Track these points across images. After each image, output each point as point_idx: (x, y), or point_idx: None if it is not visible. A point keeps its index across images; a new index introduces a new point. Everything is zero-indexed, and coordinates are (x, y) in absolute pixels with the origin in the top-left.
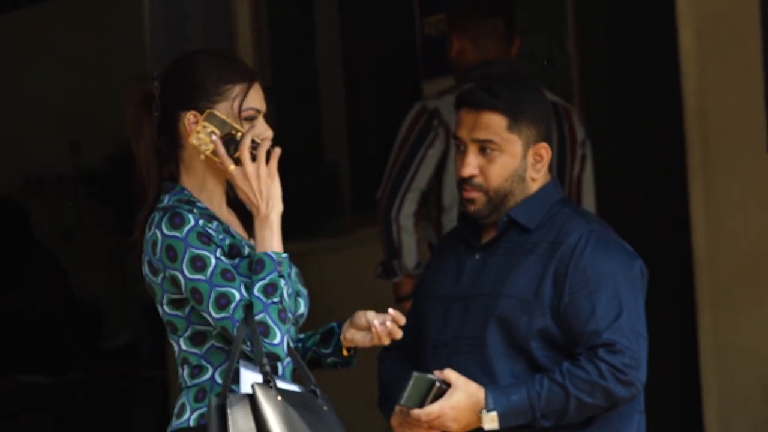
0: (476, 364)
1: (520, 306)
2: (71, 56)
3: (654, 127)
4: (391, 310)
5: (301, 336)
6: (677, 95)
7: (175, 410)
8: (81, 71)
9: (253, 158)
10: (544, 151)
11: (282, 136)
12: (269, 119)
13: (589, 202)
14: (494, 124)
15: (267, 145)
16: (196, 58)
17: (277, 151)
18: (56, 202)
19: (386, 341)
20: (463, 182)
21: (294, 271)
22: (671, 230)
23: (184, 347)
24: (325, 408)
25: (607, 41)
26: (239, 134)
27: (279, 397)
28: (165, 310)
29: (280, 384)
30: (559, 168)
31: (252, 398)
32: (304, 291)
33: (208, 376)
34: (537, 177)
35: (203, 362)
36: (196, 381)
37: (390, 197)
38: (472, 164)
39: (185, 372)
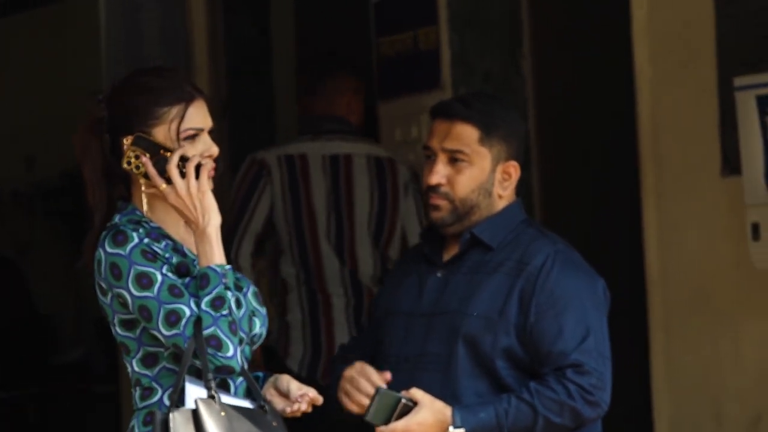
0: (440, 381)
1: (485, 325)
2: (26, 71)
3: (608, 149)
4: (311, 392)
5: None
6: (632, 118)
7: None
8: (36, 86)
9: (183, 175)
10: (513, 169)
11: (237, 155)
12: (222, 137)
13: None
14: (466, 135)
15: (196, 160)
16: (133, 81)
17: (208, 165)
18: (11, 217)
19: (298, 414)
20: (429, 190)
21: (252, 290)
22: (624, 252)
23: (136, 369)
24: (274, 424)
25: (562, 62)
26: (168, 154)
27: (222, 413)
28: (117, 331)
29: (226, 399)
30: (379, 219)
31: (195, 413)
32: (262, 310)
33: (157, 398)
34: (504, 195)
35: (154, 384)
36: (146, 403)
37: (228, 240)
38: (440, 173)
39: (137, 394)
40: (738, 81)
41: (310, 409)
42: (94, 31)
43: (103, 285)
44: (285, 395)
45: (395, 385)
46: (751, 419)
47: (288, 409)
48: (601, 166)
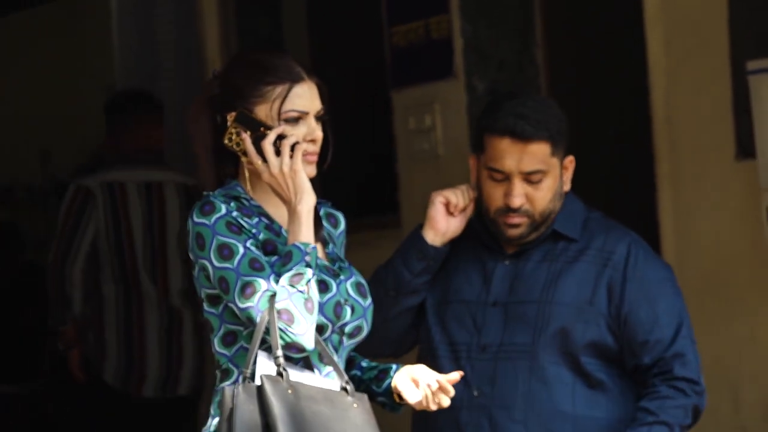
0: (527, 369)
1: (576, 313)
2: (41, 66)
3: (622, 137)
4: (456, 374)
5: (364, 363)
6: (646, 104)
7: (211, 412)
8: (51, 81)
9: (278, 153)
10: (570, 163)
11: None
12: None
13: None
14: (541, 153)
15: (292, 140)
16: (243, 58)
17: (303, 145)
18: (26, 212)
19: (433, 408)
20: (509, 210)
21: (353, 280)
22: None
23: (217, 348)
24: (355, 406)
25: (575, 50)
26: (269, 132)
27: (290, 391)
28: (204, 307)
29: (300, 376)
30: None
31: (259, 390)
32: (362, 302)
33: (233, 379)
34: (568, 189)
35: (230, 365)
36: (222, 385)
37: (62, 259)
38: (520, 194)
39: (218, 375)
40: (751, 65)
41: (444, 405)
42: (107, 27)
43: (192, 257)
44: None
45: (474, 373)
46: (767, 407)
47: (417, 399)
48: (616, 152)
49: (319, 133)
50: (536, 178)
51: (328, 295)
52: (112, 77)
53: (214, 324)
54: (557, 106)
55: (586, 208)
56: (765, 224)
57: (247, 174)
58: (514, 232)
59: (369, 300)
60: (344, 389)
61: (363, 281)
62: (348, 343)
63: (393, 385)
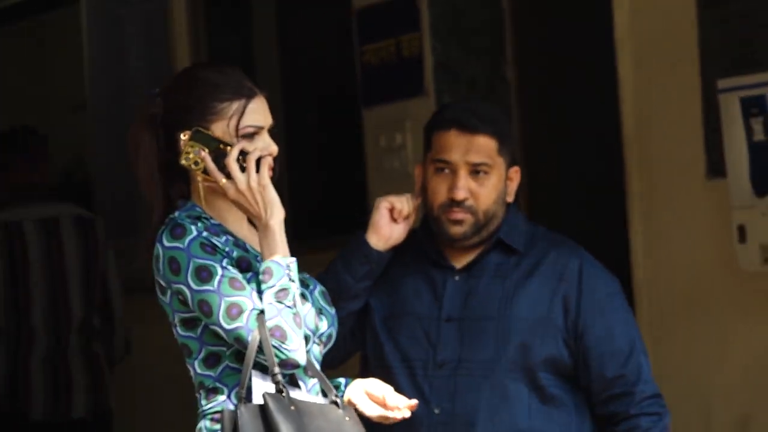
0: (488, 386)
1: (534, 328)
2: (10, 86)
3: (593, 154)
4: (413, 400)
5: None
6: (617, 123)
7: None
8: (21, 102)
9: (243, 170)
10: (515, 174)
11: None
12: None
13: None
14: (488, 147)
15: (257, 154)
16: (194, 74)
17: (268, 159)
18: None
19: (391, 421)
20: (452, 204)
21: (319, 289)
22: (611, 256)
23: (199, 370)
24: (347, 419)
25: (545, 68)
26: (228, 148)
27: (292, 407)
28: (178, 332)
29: (295, 394)
30: (86, 271)
31: (263, 409)
32: (330, 310)
33: (223, 397)
34: (511, 200)
35: (218, 384)
36: (212, 404)
37: None
38: (464, 187)
39: (201, 396)
40: (722, 83)
41: (408, 415)
42: (78, 45)
43: (162, 282)
44: (380, 402)
45: (433, 390)
46: (740, 421)
47: (377, 414)
48: (587, 170)
49: (275, 147)
50: (482, 169)
51: (307, 306)
52: (83, 97)
53: (193, 347)
54: (506, 117)
55: (529, 222)
56: (735, 242)
57: (202, 193)
58: (456, 230)
59: (334, 308)
60: (334, 402)
61: (325, 289)
62: (323, 353)
63: (346, 398)
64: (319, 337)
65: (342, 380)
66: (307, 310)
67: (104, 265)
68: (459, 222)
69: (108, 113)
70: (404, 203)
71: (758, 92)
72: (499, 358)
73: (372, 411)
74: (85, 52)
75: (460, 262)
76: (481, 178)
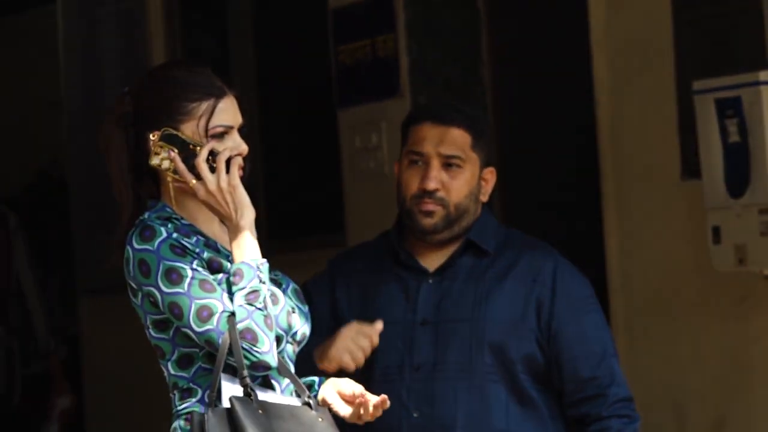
0: (466, 388)
1: (509, 330)
2: None
3: (568, 155)
4: (367, 394)
5: None
6: (591, 123)
7: None
8: None
9: (213, 170)
10: (491, 175)
11: None
12: None
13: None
14: (461, 140)
15: (227, 154)
16: (163, 74)
17: (238, 159)
18: None
19: (367, 419)
20: (424, 195)
21: (292, 287)
22: (585, 258)
23: (172, 371)
24: (320, 420)
25: (521, 69)
26: (198, 149)
27: (260, 411)
28: (150, 333)
29: (265, 396)
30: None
31: (230, 413)
32: (304, 308)
33: (197, 398)
34: (484, 200)
35: (192, 385)
36: (185, 405)
37: None
38: (436, 178)
39: (176, 397)
40: (697, 85)
41: (377, 414)
42: (53, 44)
43: (133, 285)
44: (352, 400)
45: (410, 394)
46: (714, 422)
47: (349, 413)
48: (562, 172)
49: (244, 147)
50: (454, 162)
51: (279, 306)
52: (58, 94)
53: (166, 349)
54: (488, 119)
55: (501, 225)
56: (710, 243)
57: (172, 193)
58: (427, 221)
59: (307, 305)
60: (307, 404)
61: (298, 287)
62: (297, 351)
63: (321, 398)
64: (293, 336)
65: (315, 379)
66: (279, 309)
67: (12, 255)
68: (430, 213)
69: (83, 112)
70: (359, 354)
71: (733, 94)
72: (474, 361)
73: (345, 410)
74: (61, 52)
75: (433, 264)
76: (454, 171)
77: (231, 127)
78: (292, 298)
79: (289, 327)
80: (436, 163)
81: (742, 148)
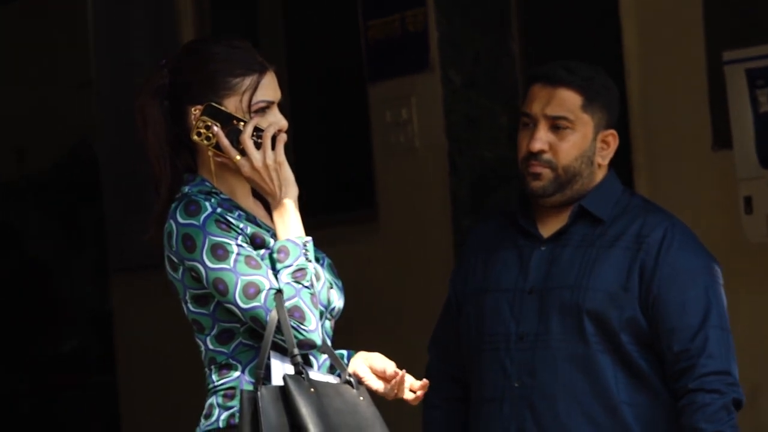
0: (567, 358)
1: (610, 300)
2: (16, 62)
3: None
4: (407, 376)
5: None
6: (622, 95)
7: (204, 411)
8: (26, 79)
9: (258, 146)
10: (612, 138)
11: None
12: None
13: None
14: (570, 101)
15: (272, 130)
16: (205, 49)
17: (283, 136)
18: (2, 210)
19: (401, 396)
20: (531, 157)
21: (327, 262)
22: None
23: (211, 346)
24: (361, 398)
25: (550, 41)
26: (242, 124)
27: (312, 389)
28: (189, 308)
29: (313, 375)
30: None
31: (284, 390)
32: (339, 283)
33: (236, 374)
34: (603, 164)
35: (231, 361)
36: (224, 380)
37: None
38: (542, 139)
39: (213, 372)
40: (727, 55)
41: (410, 396)
42: (83, 24)
43: (174, 259)
44: (383, 376)
45: (513, 364)
46: (748, 392)
47: (383, 388)
48: None
49: (284, 122)
50: (562, 124)
51: (321, 282)
52: (88, 74)
53: (205, 323)
54: (610, 81)
55: (627, 191)
56: (742, 213)
57: (213, 167)
58: (536, 184)
59: (340, 280)
60: (348, 382)
61: (331, 261)
62: (333, 327)
63: (351, 371)
64: (330, 311)
65: (344, 352)
66: (321, 285)
67: None
68: (537, 176)
69: (113, 91)
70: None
71: (764, 64)
72: (576, 330)
73: (377, 385)
74: (90, 30)
75: (549, 231)
76: (562, 133)
77: (272, 103)
78: (329, 273)
79: (329, 302)
80: (543, 124)
81: None
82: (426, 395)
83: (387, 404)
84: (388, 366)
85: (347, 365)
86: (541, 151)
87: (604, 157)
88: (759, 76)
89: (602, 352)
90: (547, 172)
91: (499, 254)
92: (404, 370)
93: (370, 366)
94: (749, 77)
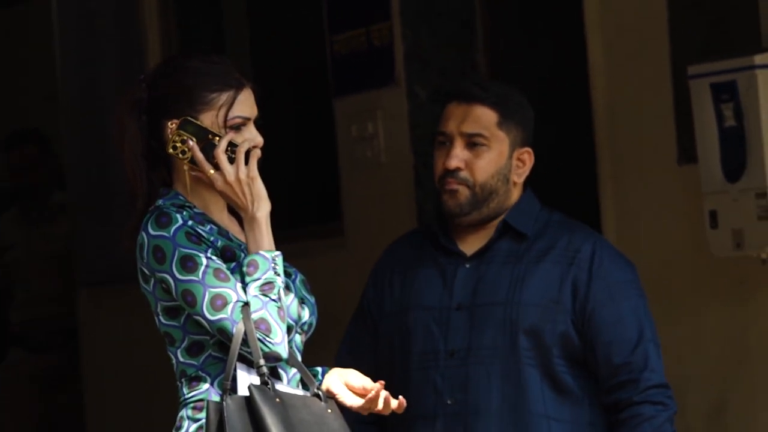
0: (500, 373)
1: (543, 313)
2: None
3: (564, 140)
4: (382, 390)
5: None
6: (588, 109)
7: (176, 424)
8: None
9: (232, 161)
10: (528, 155)
11: None
12: None
13: None
14: (485, 118)
15: (246, 146)
16: (183, 63)
17: (257, 152)
18: None
19: (377, 411)
20: (447, 175)
21: (300, 277)
22: None
23: (181, 359)
24: (329, 411)
25: (516, 55)
26: (217, 139)
27: (277, 399)
28: (161, 320)
29: (282, 387)
30: None
31: (249, 400)
32: (311, 299)
33: (206, 387)
34: (518, 182)
35: (201, 373)
36: (194, 392)
37: None
38: (458, 156)
39: (183, 385)
40: (692, 69)
41: (386, 411)
42: (49, 36)
43: (146, 271)
44: (361, 392)
45: (445, 381)
46: (714, 406)
47: (358, 404)
48: (558, 155)
49: (260, 139)
50: (478, 141)
51: (291, 297)
52: (54, 85)
53: (176, 336)
54: (524, 99)
55: (545, 209)
56: (707, 228)
57: (188, 181)
58: (452, 202)
59: (313, 296)
60: (317, 395)
61: (305, 277)
62: (304, 341)
63: (324, 387)
64: (301, 326)
65: (319, 369)
66: (290, 300)
67: None
68: (454, 192)
69: (80, 104)
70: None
71: (729, 78)
72: (509, 345)
73: (353, 401)
74: (56, 43)
75: (471, 249)
76: (478, 150)
77: (248, 119)
78: (301, 289)
79: (299, 317)
80: (458, 142)
81: (737, 133)
82: None
83: None
84: (366, 382)
85: (321, 381)
86: (458, 169)
87: (519, 175)
88: (724, 91)
89: (531, 366)
90: (463, 190)
91: (418, 273)
92: (380, 385)
93: (345, 382)
94: (714, 91)
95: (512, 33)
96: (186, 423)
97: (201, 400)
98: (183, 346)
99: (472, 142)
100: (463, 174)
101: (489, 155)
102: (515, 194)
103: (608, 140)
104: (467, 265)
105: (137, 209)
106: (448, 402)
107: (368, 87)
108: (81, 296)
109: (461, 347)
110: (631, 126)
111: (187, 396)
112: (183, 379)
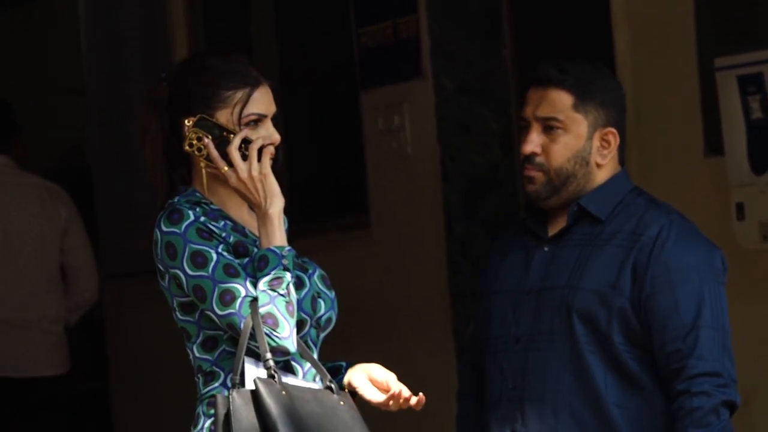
0: (556, 359)
1: (598, 298)
2: (8, 71)
3: None
4: (404, 389)
5: None
6: None
7: (194, 420)
8: (18, 88)
9: (245, 158)
10: (612, 136)
11: None
12: None
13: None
14: (560, 101)
15: (260, 143)
16: (201, 62)
17: (270, 149)
18: None
19: (393, 408)
20: (525, 161)
21: (318, 273)
22: None
23: (197, 354)
24: (341, 403)
25: (543, 49)
26: (231, 136)
27: (283, 392)
28: (177, 316)
29: (287, 379)
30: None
31: (255, 394)
32: (330, 294)
33: (219, 382)
34: (603, 163)
35: (215, 368)
36: (208, 388)
37: None
38: (533, 141)
39: (200, 380)
40: (718, 62)
41: (404, 406)
42: (76, 32)
43: (161, 267)
44: (384, 387)
45: (509, 366)
46: (742, 397)
47: (381, 400)
48: None
49: (277, 136)
50: (553, 125)
51: (304, 291)
52: (81, 81)
53: (191, 331)
54: (613, 77)
55: (634, 191)
56: (734, 220)
57: (204, 178)
58: (530, 188)
59: (333, 291)
60: (329, 388)
61: (325, 273)
62: (321, 336)
63: (346, 381)
64: (318, 320)
65: (343, 363)
66: (304, 293)
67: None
68: (531, 180)
69: (105, 99)
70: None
71: (755, 70)
72: (566, 331)
73: (375, 396)
74: (82, 38)
75: (555, 231)
76: (554, 134)
77: (264, 116)
78: (319, 284)
79: (314, 311)
80: (535, 127)
81: (764, 125)
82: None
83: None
84: (390, 378)
85: (344, 376)
86: (534, 154)
87: (603, 157)
88: (750, 83)
89: (592, 353)
90: (539, 176)
91: (509, 256)
92: (401, 388)
93: (369, 377)
94: (741, 84)
95: (538, 26)
96: (201, 419)
97: (214, 395)
98: (198, 341)
99: (548, 126)
100: (539, 159)
101: (565, 139)
102: (600, 176)
103: (635, 133)
104: (546, 248)
105: (157, 206)
106: (510, 387)
107: (395, 80)
108: (106, 288)
109: (525, 332)
110: (658, 118)
111: (203, 392)
112: (199, 375)
